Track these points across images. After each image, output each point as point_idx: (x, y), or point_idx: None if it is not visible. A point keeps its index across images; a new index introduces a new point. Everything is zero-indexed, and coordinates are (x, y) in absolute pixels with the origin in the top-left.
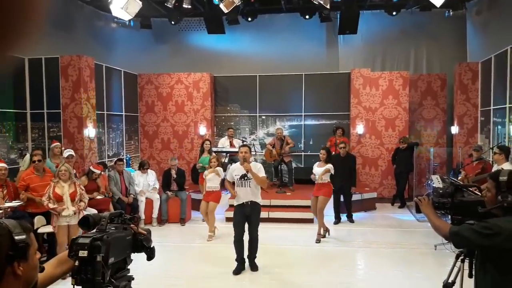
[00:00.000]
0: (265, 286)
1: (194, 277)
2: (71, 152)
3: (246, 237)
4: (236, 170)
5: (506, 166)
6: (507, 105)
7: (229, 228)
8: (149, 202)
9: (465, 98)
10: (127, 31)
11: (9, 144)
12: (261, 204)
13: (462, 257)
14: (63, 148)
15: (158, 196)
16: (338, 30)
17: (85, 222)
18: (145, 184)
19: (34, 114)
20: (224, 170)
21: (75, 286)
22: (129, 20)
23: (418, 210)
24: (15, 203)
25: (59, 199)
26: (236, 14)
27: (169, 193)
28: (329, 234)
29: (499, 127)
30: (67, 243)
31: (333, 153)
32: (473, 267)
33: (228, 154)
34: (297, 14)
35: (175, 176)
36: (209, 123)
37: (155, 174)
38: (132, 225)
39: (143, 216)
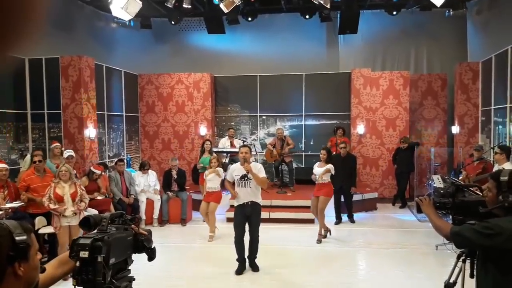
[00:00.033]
0: (266, 287)
1: (195, 277)
2: (71, 152)
3: (246, 238)
4: (236, 170)
5: (507, 166)
6: (508, 105)
7: (230, 228)
8: (150, 202)
9: (465, 98)
10: (127, 31)
11: (10, 145)
12: (261, 204)
13: (463, 257)
14: (63, 149)
15: (159, 196)
16: (338, 30)
17: (86, 223)
18: (146, 184)
19: (35, 114)
20: (225, 171)
21: (76, 286)
22: (129, 20)
23: (419, 210)
24: (16, 204)
25: (60, 199)
26: (236, 14)
27: (170, 193)
28: (330, 234)
29: (500, 126)
30: (68, 244)
31: (334, 153)
32: (474, 267)
33: (228, 155)
34: (297, 14)
35: (175, 176)
36: (209, 123)
37: (156, 175)
38: (133, 225)
39: (143, 217)
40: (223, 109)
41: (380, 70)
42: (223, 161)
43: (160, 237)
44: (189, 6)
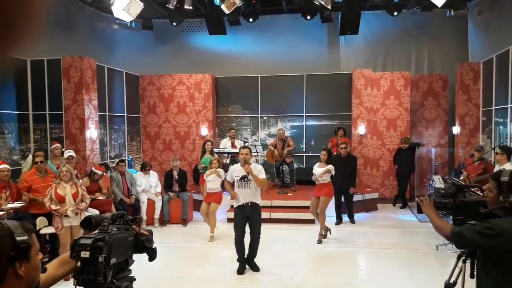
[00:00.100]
0: (266, 287)
1: (196, 277)
2: (72, 153)
3: (247, 238)
4: (236, 171)
5: (507, 166)
6: (509, 105)
7: (230, 229)
8: (151, 203)
9: (466, 98)
10: (129, 32)
11: (12, 146)
12: (261, 205)
13: (463, 258)
14: (63, 149)
15: (160, 197)
16: (339, 31)
17: (87, 223)
18: (147, 185)
19: (36, 115)
20: (226, 171)
21: (77, 286)
22: (131, 22)
23: (420, 211)
24: (17, 204)
25: (61, 200)
26: (237, 15)
27: (171, 194)
28: (330, 234)
29: (501, 127)
30: (70, 244)
31: (334, 153)
32: (475, 267)
33: (229, 155)
34: (299, 15)
35: (176, 177)
36: (210, 124)
37: (157, 175)
38: (134, 226)
39: (145, 217)
40: (224, 110)
41: (381, 70)
42: (224, 161)
43: (161, 237)
44: (191, 7)
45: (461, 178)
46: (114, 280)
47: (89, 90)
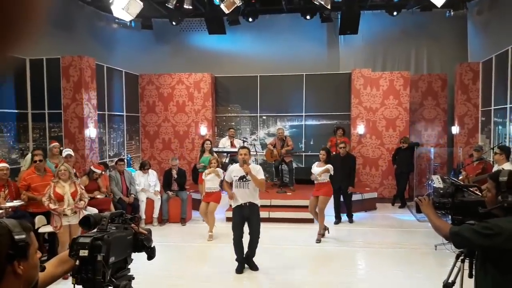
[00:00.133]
0: (265, 286)
1: (195, 276)
2: (70, 151)
3: (245, 238)
4: (235, 171)
5: (506, 166)
6: (508, 105)
7: (229, 228)
8: (150, 202)
9: (465, 98)
10: (128, 31)
11: (10, 144)
12: (259, 205)
13: (462, 257)
14: (61, 148)
15: (159, 196)
16: (339, 31)
17: (86, 222)
18: (146, 184)
19: (35, 114)
20: (225, 170)
21: (75, 285)
22: (130, 21)
23: (419, 210)
24: (16, 203)
25: (60, 198)
26: (237, 15)
27: (170, 193)
28: (329, 233)
29: (500, 127)
30: (68, 243)
31: (334, 153)
32: (473, 267)
33: (228, 154)
34: (298, 15)
35: (175, 176)
36: (210, 123)
37: (156, 174)
38: (132, 224)
39: (143, 216)
40: (223, 109)
41: (380, 70)
42: (223, 161)
43: (160, 236)
44: (190, 7)
45: (460, 178)
46: (113, 279)
47: (88, 89)
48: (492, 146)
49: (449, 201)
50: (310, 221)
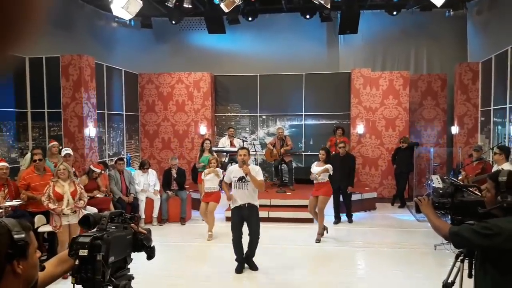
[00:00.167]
0: (265, 286)
1: (194, 276)
2: (69, 150)
3: (245, 238)
4: (234, 172)
5: (506, 166)
6: (508, 105)
7: (229, 227)
8: (150, 201)
9: (465, 98)
10: (128, 30)
11: (10, 144)
12: (258, 206)
13: (461, 257)
14: (60, 147)
15: (158, 195)
16: (338, 30)
17: (86, 221)
18: (146, 183)
19: (35, 113)
20: (224, 170)
21: (75, 285)
22: (130, 20)
23: (418, 210)
24: (15, 202)
25: (60, 198)
26: (236, 14)
27: (170, 192)
28: (327, 232)
29: (499, 127)
30: (68, 242)
31: (333, 153)
32: (473, 267)
33: (228, 154)
34: (298, 14)
35: (175, 175)
36: (209, 123)
37: (156, 174)
38: (132, 224)
39: (143, 216)
40: (223, 109)
41: (380, 70)
42: (223, 160)
43: (160, 236)
44: (190, 6)
45: (459, 178)
46: (113, 279)
47: (88, 88)
48: (491, 146)
49: (448, 201)
50: (309, 221)
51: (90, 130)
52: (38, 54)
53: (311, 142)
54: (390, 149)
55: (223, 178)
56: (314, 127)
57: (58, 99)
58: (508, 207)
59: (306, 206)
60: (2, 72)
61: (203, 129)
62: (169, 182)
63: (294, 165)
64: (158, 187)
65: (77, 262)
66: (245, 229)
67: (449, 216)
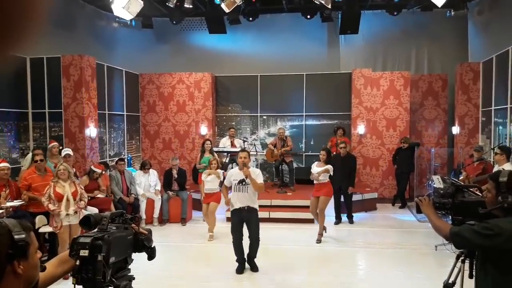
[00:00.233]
0: (265, 286)
1: (195, 277)
2: (68, 151)
3: (246, 240)
4: (234, 175)
5: (507, 166)
6: (508, 106)
7: (230, 228)
8: (150, 202)
9: (466, 98)
10: (129, 30)
11: (11, 144)
12: (258, 209)
13: (462, 258)
14: (60, 148)
15: (159, 196)
16: (339, 30)
17: (87, 222)
18: (147, 184)
19: (36, 113)
20: (225, 170)
21: (76, 285)
22: (131, 20)
23: (419, 211)
24: (16, 203)
25: (60, 198)
26: (237, 14)
27: (170, 193)
28: (325, 232)
29: (500, 127)
30: (69, 243)
31: (334, 153)
32: (474, 267)
33: (229, 154)
34: (299, 14)
35: (176, 176)
36: (210, 123)
37: (157, 174)
38: (133, 224)
39: (144, 216)
40: (224, 109)
41: (380, 70)
42: (224, 160)
43: (160, 236)
44: (191, 6)
45: (460, 178)
46: (113, 279)
47: (89, 88)
48: (492, 147)
49: (449, 201)
50: (310, 221)
51: (91, 131)
52: (39, 54)
53: (311, 143)
54: (391, 150)
55: (223, 179)
56: (314, 128)
57: (59, 100)
58: (509, 207)
59: (306, 207)
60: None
61: (204, 130)
62: (170, 183)
63: (295, 165)
64: (159, 187)
65: (77, 262)
66: (245, 231)
67: (450, 217)
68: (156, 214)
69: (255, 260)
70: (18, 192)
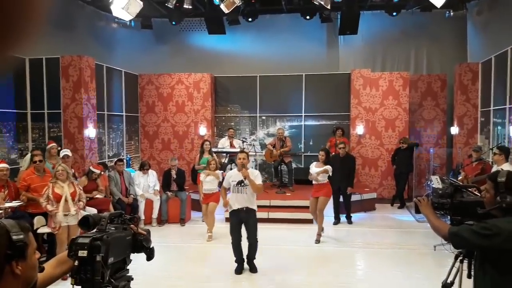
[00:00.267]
0: (264, 287)
1: (194, 277)
2: (67, 152)
3: (244, 241)
4: (233, 176)
5: (505, 166)
6: (507, 106)
7: (229, 228)
8: (149, 202)
9: (465, 98)
10: (128, 31)
11: (10, 144)
12: (256, 210)
13: (461, 258)
14: (59, 149)
15: (158, 196)
16: (338, 31)
17: (85, 222)
18: (146, 184)
19: (35, 114)
20: (224, 171)
21: (74, 286)
22: (130, 21)
23: (418, 211)
24: (15, 203)
25: (59, 199)
26: (236, 15)
27: (169, 193)
28: (323, 232)
29: (499, 127)
30: (67, 243)
31: (333, 153)
32: (472, 267)
33: (228, 155)
34: (298, 15)
35: (175, 176)
36: (209, 124)
37: (156, 174)
38: (132, 225)
39: (143, 217)
40: (223, 109)
41: (380, 70)
42: (223, 161)
43: (159, 237)
44: (190, 7)
45: (459, 178)
46: (112, 280)
47: (88, 89)
48: (491, 147)
49: (448, 201)
50: (309, 221)
51: (90, 131)
52: (38, 55)
53: (311, 143)
54: (390, 150)
55: (222, 179)
56: (314, 128)
57: (58, 100)
58: (507, 207)
59: (305, 207)
60: (2, 73)
61: (203, 130)
62: (169, 183)
63: (294, 166)
64: (158, 187)
65: (76, 263)
66: (244, 231)
67: (449, 217)
68: (155, 214)
69: (254, 261)
70: (17, 192)
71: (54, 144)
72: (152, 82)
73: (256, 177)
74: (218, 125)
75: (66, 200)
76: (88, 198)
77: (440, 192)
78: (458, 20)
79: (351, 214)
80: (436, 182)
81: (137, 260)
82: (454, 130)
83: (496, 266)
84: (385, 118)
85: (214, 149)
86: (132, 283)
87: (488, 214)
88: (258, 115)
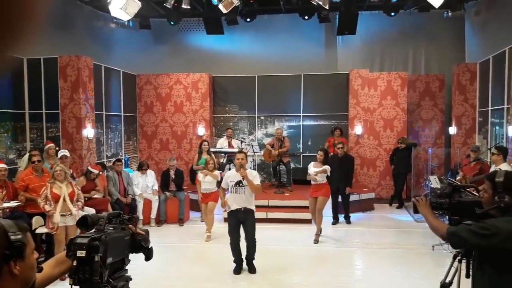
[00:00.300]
0: (263, 287)
1: (192, 277)
2: (65, 152)
3: (243, 241)
4: (231, 176)
5: (503, 166)
6: (505, 106)
7: (227, 229)
8: (148, 202)
9: (463, 98)
10: (126, 31)
11: (8, 145)
12: (254, 210)
13: (459, 258)
14: (57, 149)
15: (156, 196)
16: (336, 31)
17: (84, 222)
18: (144, 185)
19: (33, 114)
20: (222, 171)
21: (73, 286)
22: (128, 21)
23: (416, 211)
24: (13, 204)
25: (58, 199)
26: (235, 15)
27: (168, 193)
28: (320, 232)
29: (497, 127)
30: (65, 243)
31: (331, 153)
32: (470, 267)
33: (226, 155)
34: (296, 15)
35: (173, 176)
36: (207, 124)
37: (154, 174)
38: (130, 225)
39: (141, 217)
40: (221, 110)
41: (378, 71)
42: (221, 161)
43: (158, 237)
44: (188, 7)
45: (457, 178)
46: (110, 280)
47: (86, 89)
48: (489, 147)
49: (446, 201)
50: (307, 221)
51: (88, 131)
52: (36, 55)
53: (309, 143)
54: (388, 150)
55: (221, 179)
56: (312, 128)
57: (56, 100)
58: (505, 207)
59: (304, 207)
60: (0, 73)
61: (201, 130)
62: (167, 183)
63: (292, 166)
64: (156, 187)
65: (75, 263)
66: (242, 232)
67: (447, 217)
68: (153, 214)
69: (253, 261)
70: (15, 193)
71: (52, 144)
72: (151, 82)
73: (255, 177)
74: (217, 125)
75: (64, 200)
76: (86, 198)
77: (438, 192)
78: (456, 20)
79: (350, 214)
80: (434, 182)
81: (135, 260)
82: (452, 130)
83: (494, 266)
84: (383, 118)
85: (212, 149)
86: (130, 283)
87: (486, 214)
88: (256, 115)
